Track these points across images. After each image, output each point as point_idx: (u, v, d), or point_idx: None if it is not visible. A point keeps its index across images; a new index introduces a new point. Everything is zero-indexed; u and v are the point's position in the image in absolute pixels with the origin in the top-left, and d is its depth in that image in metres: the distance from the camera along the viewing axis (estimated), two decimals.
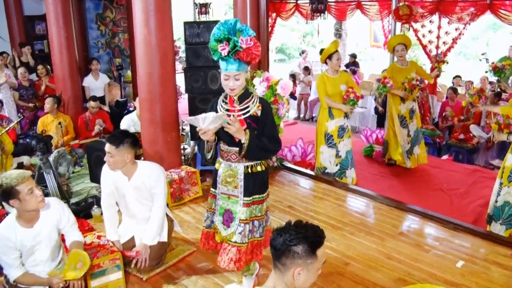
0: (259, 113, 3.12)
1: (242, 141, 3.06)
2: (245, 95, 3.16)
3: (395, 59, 6.49)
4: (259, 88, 3.54)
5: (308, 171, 6.06)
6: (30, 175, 3.06)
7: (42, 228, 3.16)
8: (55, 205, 3.27)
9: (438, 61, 6.68)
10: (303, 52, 13.56)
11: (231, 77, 3.03)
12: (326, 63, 5.69)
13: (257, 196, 3.29)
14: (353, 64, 11.79)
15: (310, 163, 6.67)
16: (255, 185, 3.26)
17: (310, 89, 11.38)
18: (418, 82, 6.25)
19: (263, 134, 3.14)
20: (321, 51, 5.69)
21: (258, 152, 3.16)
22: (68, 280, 3.16)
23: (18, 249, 3.09)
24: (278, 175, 5.97)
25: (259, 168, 3.30)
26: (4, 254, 3.07)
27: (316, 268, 2.00)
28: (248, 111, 3.11)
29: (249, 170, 3.25)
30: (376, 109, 9.46)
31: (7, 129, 5.87)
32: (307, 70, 11.60)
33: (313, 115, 11.08)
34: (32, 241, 3.12)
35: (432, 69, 6.81)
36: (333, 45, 5.63)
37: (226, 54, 2.93)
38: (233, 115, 3.08)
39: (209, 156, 3.28)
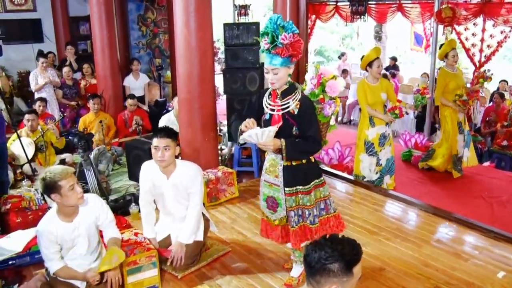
0: (296, 111, 3.09)
1: (282, 148, 3.07)
2: (289, 90, 3.13)
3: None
4: (308, 85, 3.47)
5: (345, 175, 6.00)
6: (73, 172, 3.16)
7: (81, 223, 3.24)
8: (94, 202, 3.35)
9: (484, 77, 6.42)
10: (342, 54, 13.46)
11: (270, 71, 3.03)
12: (366, 70, 5.60)
13: (300, 187, 3.25)
14: (393, 67, 11.60)
15: (347, 166, 6.60)
16: (297, 177, 3.23)
17: (348, 92, 11.26)
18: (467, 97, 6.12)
19: (304, 135, 3.11)
20: (363, 57, 5.60)
21: (299, 155, 3.16)
22: (104, 272, 3.24)
23: (58, 243, 3.18)
24: None
25: (299, 161, 3.25)
26: (46, 247, 3.16)
27: (351, 284, 1.90)
28: (288, 107, 3.10)
29: (290, 163, 3.23)
30: (415, 113, 9.30)
31: (48, 127, 6.06)
32: (345, 72, 11.48)
33: (351, 118, 10.96)
34: (72, 235, 3.20)
35: (473, 83, 6.57)
36: (374, 52, 5.53)
37: (266, 48, 2.96)
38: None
39: (241, 141, 3.25)
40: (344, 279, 1.85)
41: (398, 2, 10.02)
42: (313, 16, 11.62)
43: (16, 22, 9.70)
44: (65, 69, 8.16)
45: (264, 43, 2.96)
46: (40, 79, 7.40)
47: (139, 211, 4.12)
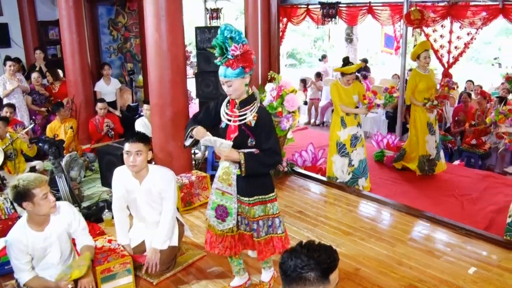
0: (253, 123, 3.00)
1: (241, 162, 2.98)
2: (247, 101, 3.04)
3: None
4: (268, 96, 3.41)
5: (319, 176, 6.04)
6: (46, 180, 3.10)
7: (52, 232, 3.19)
8: (66, 209, 3.30)
9: (449, 86, 6.56)
10: (324, 57, 13.55)
11: (224, 83, 2.96)
12: (339, 75, 5.65)
13: (260, 197, 3.15)
14: (364, 69, 11.76)
15: (321, 168, 6.64)
16: (252, 186, 3.12)
17: (321, 94, 11.36)
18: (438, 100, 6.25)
19: (261, 147, 3.03)
20: (344, 59, 5.59)
21: (259, 168, 3.05)
22: (78, 280, 3.20)
23: (29, 253, 3.12)
24: (289, 180, 5.95)
25: None
26: (16, 258, 3.10)
27: None
28: (245, 119, 3.00)
29: (238, 172, 3.08)
30: (387, 113, 9.42)
31: (18, 135, 5.92)
32: (318, 76, 11.58)
33: (324, 120, 11.06)
34: (43, 244, 3.15)
35: (442, 86, 6.69)
36: (354, 67, 5.52)
37: (218, 60, 2.90)
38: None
39: (187, 143, 3.22)
40: (321, 287, 1.83)
41: (368, 4, 10.17)
42: (285, 19, 11.70)
43: None
44: (34, 75, 7.99)
45: (216, 55, 2.91)
46: (9, 84, 7.23)
47: (113, 217, 4.07)
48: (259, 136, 3.01)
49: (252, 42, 6.18)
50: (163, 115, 5.03)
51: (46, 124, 7.45)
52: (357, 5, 10.59)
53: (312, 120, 11.23)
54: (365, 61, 12.39)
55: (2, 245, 3.37)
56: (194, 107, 7.35)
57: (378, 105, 5.53)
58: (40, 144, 5.26)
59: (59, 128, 6.71)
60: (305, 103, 11.41)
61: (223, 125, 3.11)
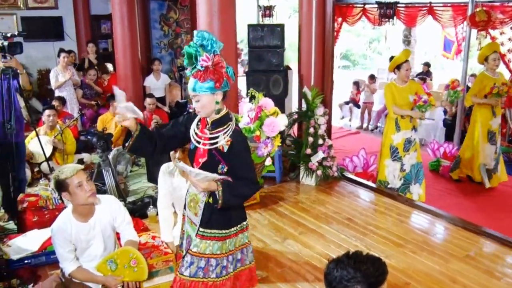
0: (225, 148, 2.59)
1: (218, 195, 2.55)
2: (221, 122, 2.62)
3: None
4: (244, 117, 2.95)
5: (370, 183, 5.83)
6: (81, 169, 3.09)
7: (96, 224, 3.18)
8: (112, 203, 3.29)
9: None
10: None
11: (192, 97, 2.59)
12: (394, 72, 5.44)
13: (215, 231, 2.70)
14: (426, 74, 11.32)
15: (372, 174, 6.42)
16: (216, 218, 2.70)
17: (374, 97, 11.07)
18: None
19: (234, 175, 2.61)
20: (391, 58, 5.45)
21: (236, 200, 2.66)
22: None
23: (73, 243, 3.13)
24: (338, 185, 5.79)
25: None
26: (61, 246, 3.12)
27: None
28: (216, 142, 2.60)
29: (211, 200, 2.65)
30: (445, 121, 9.03)
31: (66, 125, 6.04)
32: (372, 78, 11.28)
33: (378, 124, 10.75)
34: (87, 236, 3.16)
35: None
36: (403, 54, 5.38)
37: (188, 71, 2.53)
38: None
39: (128, 145, 2.73)
40: None
41: (429, 4, 9.79)
42: (340, 19, 11.46)
43: (37, 19, 9.73)
44: (91, 72, 8.15)
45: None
46: (61, 76, 7.37)
47: (157, 214, 4.04)
48: (233, 163, 2.60)
49: (306, 41, 6.05)
50: None
51: (95, 117, 7.57)
52: (416, 5, 10.24)
53: (365, 125, 10.94)
54: (427, 64, 11.93)
55: (49, 235, 3.39)
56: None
57: (425, 101, 5.22)
58: (88, 137, 5.32)
59: (111, 121, 6.77)
60: (358, 106, 11.15)
61: (191, 146, 2.73)
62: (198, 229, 2.72)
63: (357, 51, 21.57)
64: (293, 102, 6.42)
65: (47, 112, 5.95)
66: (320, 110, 5.67)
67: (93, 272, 3.21)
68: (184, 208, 2.95)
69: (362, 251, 1.83)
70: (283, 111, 5.71)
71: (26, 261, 3.89)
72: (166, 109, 8.07)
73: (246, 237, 2.87)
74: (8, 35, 4.48)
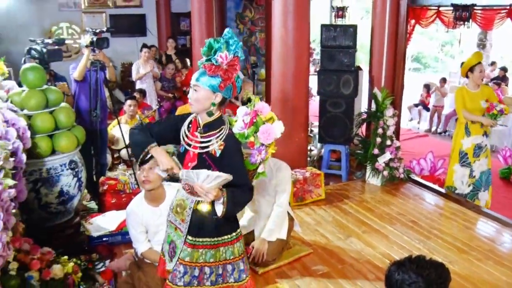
0: (218, 153, 2.46)
1: (223, 203, 2.40)
2: (214, 125, 2.49)
3: None
4: (239, 122, 2.73)
5: (437, 187, 5.75)
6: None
7: (166, 209, 3.30)
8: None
9: None
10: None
11: (192, 86, 2.45)
12: (467, 76, 5.29)
13: (206, 239, 2.55)
14: (502, 79, 10.90)
15: (439, 178, 6.33)
16: (205, 225, 2.54)
17: (444, 100, 10.80)
18: None
19: (229, 182, 2.40)
20: (462, 64, 5.35)
21: (237, 208, 2.53)
22: None
23: (144, 225, 3.34)
24: (404, 187, 5.74)
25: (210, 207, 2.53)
26: (133, 227, 3.35)
27: None
28: (207, 146, 2.46)
29: (205, 209, 2.51)
30: None
31: (145, 115, 6.37)
32: (444, 81, 11.01)
33: (447, 128, 10.48)
34: (157, 221, 3.33)
35: None
36: (475, 57, 5.23)
37: (200, 61, 2.43)
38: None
39: (138, 157, 2.70)
40: None
41: (508, 7, 9.40)
42: (413, 21, 11.23)
43: (123, 16, 10.39)
44: (170, 66, 8.52)
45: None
46: (142, 69, 7.77)
47: None
48: (225, 169, 2.41)
49: (378, 42, 6.05)
50: (283, 109, 5.08)
51: (172, 109, 7.90)
52: (495, 7, 9.84)
53: (434, 128, 10.71)
54: (504, 69, 11.46)
55: (125, 216, 3.64)
56: (313, 104, 7.37)
57: (501, 111, 5.09)
58: None
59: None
60: (427, 109, 10.92)
61: (181, 149, 2.55)
62: (186, 237, 2.56)
63: (428, 54, 20.95)
64: (362, 103, 6.44)
65: (128, 102, 6.31)
66: (389, 111, 5.66)
67: None
68: (168, 213, 2.79)
69: (425, 256, 1.79)
70: (352, 111, 5.77)
71: (104, 239, 4.16)
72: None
73: (240, 247, 2.65)
74: (97, 31, 4.80)
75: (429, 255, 1.86)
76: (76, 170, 3.86)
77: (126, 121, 6.21)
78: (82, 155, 4.06)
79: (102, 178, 4.96)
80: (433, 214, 5.05)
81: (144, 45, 8.14)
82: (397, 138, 6.00)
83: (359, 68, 6.26)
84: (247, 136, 2.63)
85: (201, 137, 2.47)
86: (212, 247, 2.55)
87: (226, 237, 2.57)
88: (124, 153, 5.86)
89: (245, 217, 4.02)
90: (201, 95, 2.40)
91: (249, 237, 3.87)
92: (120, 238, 4.20)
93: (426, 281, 1.69)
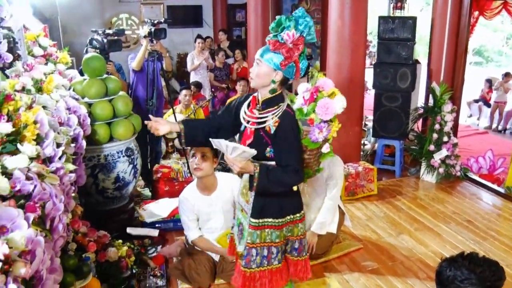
0: (272, 129, 2.42)
1: (254, 176, 2.41)
2: (272, 101, 2.46)
3: None
4: (299, 98, 2.66)
5: (495, 187, 5.53)
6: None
7: (218, 198, 3.44)
8: (235, 181, 3.49)
9: None
10: None
11: (255, 59, 2.44)
12: None
13: (270, 220, 2.58)
14: None
15: (498, 178, 6.07)
16: (269, 206, 2.58)
17: (507, 96, 10.34)
18: None
19: (279, 161, 2.46)
20: None
21: (274, 186, 2.46)
22: None
23: (195, 213, 3.43)
24: (460, 185, 5.58)
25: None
26: (184, 214, 3.45)
27: None
28: (264, 122, 2.44)
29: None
30: None
31: (199, 105, 6.47)
32: (507, 75, 10.54)
33: (507, 126, 10.05)
34: (208, 208, 3.43)
35: None
36: None
37: (268, 36, 2.41)
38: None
39: (182, 141, 2.68)
40: None
41: None
42: (476, 13, 10.79)
43: (180, 8, 10.59)
44: (220, 54, 8.60)
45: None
46: (196, 60, 7.89)
47: None
48: (278, 147, 2.44)
49: (438, 35, 5.85)
50: None
51: (225, 99, 7.98)
52: None
53: (494, 125, 10.29)
54: None
55: (177, 204, 3.73)
56: (368, 98, 7.23)
57: None
58: None
59: None
60: (488, 105, 10.50)
61: (241, 128, 2.56)
62: (250, 220, 2.60)
63: (492, 47, 20.08)
64: (419, 97, 6.27)
65: (183, 92, 6.42)
66: (447, 107, 5.49)
67: (214, 243, 3.50)
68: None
69: (478, 254, 1.73)
70: (408, 106, 5.64)
71: (157, 225, 4.27)
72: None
73: (302, 229, 2.72)
74: (155, 22, 4.91)
75: (483, 254, 1.77)
76: (132, 157, 3.98)
77: (180, 111, 6.32)
78: (138, 143, 4.18)
79: (156, 166, 5.09)
80: (490, 214, 4.88)
81: (199, 36, 8.25)
82: (455, 135, 5.82)
83: (417, 62, 6.08)
84: (307, 113, 2.59)
85: (259, 113, 2.46)
86: (277, 227, 2.59)
87: (288, 217, 2.62)
88: (177, 142, 5.99)
89: None
90: (262, 70, 2.39)
91: None
92: (172, 225, 4.32)
93: (479, 278, 1.64)
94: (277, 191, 2.51)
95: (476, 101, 10.87)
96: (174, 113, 5.39)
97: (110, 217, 3.96)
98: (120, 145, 3.88)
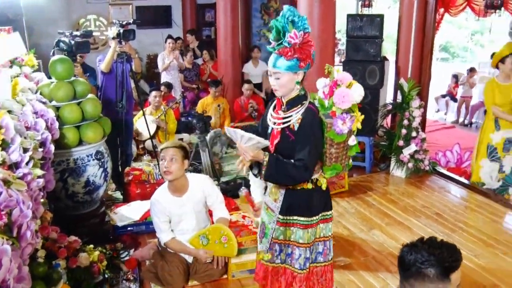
0: (296, 126, 2.49)
1: (263, 164, 2.49)
2: (296, 101, 2.53)
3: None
4: (319, 94, 2.73)
5: (463, 179, 5.67)
6: (173, 146, 3.34)
7: (189, 199, 3.43)
8: (206, 182, 3.53)
9: None
10: None
11: (272, 74, 2.48)
12: (497, 67, 5.16)
13: (297, 218, 2.64)
14: None
15: (465, 171, 6.23)
16: (297, 205, 2.62)
17: (472, 91, 10.59)
18: None
19: (296, 153, 2.50)
20: (493, 55, 5.22)
21: (280, 177, 2.53)
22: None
23: (167, 215, 3.41)
24: (429, 179, 5.69)
25: (304, 185, 2.61)
26: (156, 216, 3.42)
27: None
28: (289, 121, 2.52)
29: (293, 186, 2.61)
30: None
31: (169, 106, 6.44)
32: (473, 71, 10.79)
33: (473, 120, 10.29)
34: (179, 210, 3.41)
35: None
36: (507, 47, 5.07)
37: (271, 46, 2.42)
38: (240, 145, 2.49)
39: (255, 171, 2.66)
40: (440, 286, 1.74)
41: None
42: (441, 10, 11.00)
43: (149, 8, 10.48)
44: (189, 54, 8.57)
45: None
46: (167, 60, 7.84)
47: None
48: (297, 141, 2.49)
49: (405, 32, 5.96)
50: None
51: (196, 100, 7.96)
52: None
53: (461, 119, 10.53)
54: None
55: (149, 206, 3.70)
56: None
57: None
58: (189, 118, 5.63)
59: (211, 105, 7.09)
60: (455, 100, 10.74)
61: (269, 130, 2.65)
62: (278, 217, 2.65)
63: (457, 43, 20.52)
64: (388, 93, 6.38)
65: (153, 93, 6.37)
66: (415, 102, 5.59)
67: (186, 244, 3.49)
68: (264, 194, 2.90)
69: (436, 238, 1.82)
70: (377, 102, 5.73)
71: (129, 228, 4.23)
72: (262, 95, 8.30)
73: (329, 230, 2.75)
74: (124, 23, 4.85)
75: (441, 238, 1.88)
76: (102, 160, 3.94)
77: (151, 112, 6.29)
78: (108, 146, 4.13)
79: (127, 169, 5.05)
80: (458, 207, 5.00)
81: (169, 37, 8.20)
82: (423, 130, 5.92)
83: (385, 59, 6.18)
84: (328, 107, 2.66)
85: (284, 114, 2.54)
86: (302, 226, 2.63)
87: (316, 217, 2.65)
88: (148, 144, 5.95)
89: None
90: (284, 80, 2.45)
91: None
92: (144, 228, 4.27)
93: (438, 259, 1.72)
94: (284, 183, 2.59)
95: (443, 96, 11.10)
96: (144, 115, 5.35)
97: (80, 222, 3.90)
98: (89, 148, 3.83)
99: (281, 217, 2.65)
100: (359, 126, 2.66)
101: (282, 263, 2.72)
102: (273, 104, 2.68)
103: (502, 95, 5.06)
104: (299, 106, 2.52)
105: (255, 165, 2.60)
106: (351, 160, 2.84)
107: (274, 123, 2.58)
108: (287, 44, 2.34)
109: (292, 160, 2.50)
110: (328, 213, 2.73)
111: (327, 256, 2.77)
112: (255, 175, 2.65)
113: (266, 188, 2.84)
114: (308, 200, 2.62)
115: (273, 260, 2.72)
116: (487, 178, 5.32)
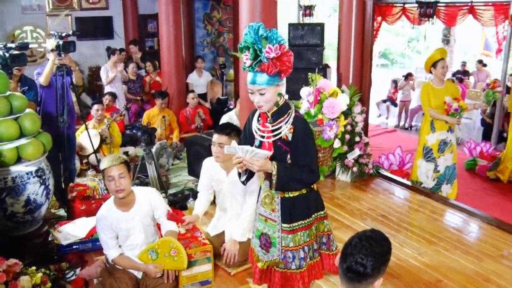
0: (289, 136, 2.55)
1: (272, 174, 2.54)
2: (281, 112, 2.58)
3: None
4: (304, 103, 2.85)
5: (405, 181, 5.86)
6: (118, 163, 3.21)
7: (136, 214, 3.35)
8: (152, 195, 3.46)
9: None
10: None
11: (255, 91, 2.49)
12: (431, 72, 5.38)
13: (300, 222, 2.72)
14: (464, 73, 11.15)
15: (408, 172, 6.45)
16: (296, 210, 2.71)
17: (411, 95, 11.00)
18: None
19: (296, 162, 2.60)
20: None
21: (291, 184, 2.61)
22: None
23: (114, 230, 3.32)
24: (373, 182, 5.84)
25: (298, 192, 2.70)
26: (103, 232, 3.32)
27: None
28: (279, 133, 2.56)
29: (288, 194, 2.69)
30: (483, 120, 8.92)
31: (113, 119, 6.31)
32: (409, 76, 11.22)
33: (413, 123, 10.69)
34: (127, 225, 3.33)
35: None
36: (438, 52, 5.31)
37: (248, 65, 2.43)
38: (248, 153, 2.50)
39: (242, 178, 2.76)
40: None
41: (469, 4, 9.65)
42: (379, 18, 11.39)
43: (89, 19, 10.20)
44: (131, 65, 8.44)
45: (245, 58, 2.43)
46: (110, 73, 7.69)
47: None
48: (295, 150, 2.57)
49: (345, 40, 6.12)
50: (251, 109, 5.10)
51: (139, 112, 7.85)
52: (457, 4, 10.06)
53: (402, 123, 10.91)
54: (464, 64, 11.77)
55: (95, 223, 3.60)
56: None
57: (456, 109, 5.19)
58: (134, 131, 5.54)
59: (157, 116, 7.01)
60: (395, 105, 11.11)
61: (257, 143, 2.67)
62: (282, 226, 2.70)
63: (395, 50, 21.31)
64: None
65: (95, 106, 6.23)
66: (357, 108, 5.71)
67: (135, 260, 3.41)
68: (256, 206, 2.94)
69: (372, 231, 2.02)
70: None
71: (74, 247, 4.08)
72: (207, 105, 8.29)
73: (328, 224, 2.89)
74: (63, 34, 4.71)
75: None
76: (44, 177, 3.80)
77: (93, 126, 6.14)
78: (49, 162, 3.99)
79: (70, 185, 4.88)
80: (402, 207, 5.16)
81: (109, 48, 8.07)
82: (366, 134, 6.07)
83: (327, 66, 6.31)
84: (314, 115, 2.79)
85: (272, 126, 2.57)
86: (307, 227, 2.73)
87: (313, 216, 2.77)
88: (92, 158, 5.80)
89: (216, 218, 4.03)
90: (269, 95, 2.49)
91: (221, 238, 3.88)
92: (91, 245, 4.14)
93: (372, 251, 1.90)
94: (295, 188, 2.66)
95: (384, 101, 11.47)
96: (87, 128, 5.22)
97: (22, 243, 3.74)
98: (29, 165, 3.69)
99: (286, 225, 2.71)
100: (343, 129, 2.78)
101: (297, 268, 2.74)
102: (255, 117, 2.69)
103: (437, 98, 5.28)
104: (285, 116, 2.57)
105: (246, 173, 2.68)
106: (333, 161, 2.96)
107: (263, 136, 2.61)
108: (266, 60, 2.37)
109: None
110: (322, 212, 2.84)
111: (331, 247, 2.90)
112: (243, 183, 2.73)
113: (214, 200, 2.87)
114: (305, 204, 2.72)
115: (289, 267, 2.75)
116: (423, 178, 5.55)
